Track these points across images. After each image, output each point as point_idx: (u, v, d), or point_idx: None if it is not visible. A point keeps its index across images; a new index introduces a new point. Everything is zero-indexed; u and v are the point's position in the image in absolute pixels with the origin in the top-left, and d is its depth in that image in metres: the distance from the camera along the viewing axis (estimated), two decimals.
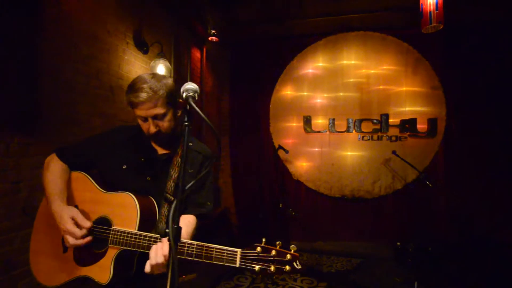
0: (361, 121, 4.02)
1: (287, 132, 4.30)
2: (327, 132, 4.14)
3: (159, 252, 0.92)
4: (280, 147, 3.91)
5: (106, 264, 1.05)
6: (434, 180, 3.36)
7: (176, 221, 0.73)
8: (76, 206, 1.18)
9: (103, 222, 1.11)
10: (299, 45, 4.31)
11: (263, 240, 0.88)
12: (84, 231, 1.06)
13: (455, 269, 3.25)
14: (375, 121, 3.98)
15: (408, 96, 3.90)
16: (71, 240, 1.05)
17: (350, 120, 4.05)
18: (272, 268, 0.84)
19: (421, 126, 3.84)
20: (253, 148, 4.50)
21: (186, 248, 0.93)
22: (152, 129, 1.12)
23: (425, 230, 3.72)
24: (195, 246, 0.93)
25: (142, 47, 2.93)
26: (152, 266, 0.92)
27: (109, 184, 1.18)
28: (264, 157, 4.42)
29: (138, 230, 1.04)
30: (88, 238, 1.07)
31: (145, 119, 1.12)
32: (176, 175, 1.16)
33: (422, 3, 2.00)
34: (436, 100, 3.81)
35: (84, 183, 1.21)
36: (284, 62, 4.36)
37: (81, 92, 2.30)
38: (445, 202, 3.76)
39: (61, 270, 1.14)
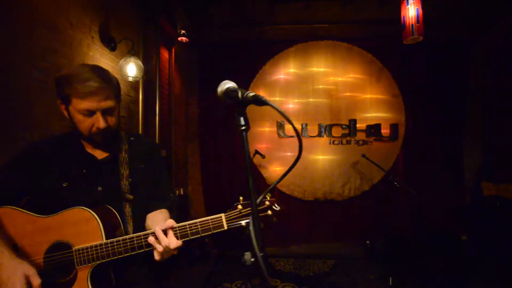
0: (331, 126, 4.18)
1: (260, 137, 4.27)
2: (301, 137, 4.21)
3: (164, 241, 0.88)
4: (257, 152, 3.86)
5: (82, 287, 0.94)
6: (397, 181, 3.62)
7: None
8: (15, 245, 0.97)
9: (59, 248, 0.96)
10: (271, 51, 4.35)
11: (241, 198, 0.91)
12: None
13: (420, 261, 3.52)
14: (344, 126, 4.17)
15: (373, 103, 4.18)
16: None
17: (322, 125, 4.18)
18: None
19: (385, 130, 4.13)
20: (225, 153, 4.38)
21: (188, 230, 0.91)
22: (102, 124, 0.97)
23: (391, 228, 3.98)
24: (177, 228, 0.92)
25: (109, 43, 2.64)
26: (162, 254, 0.90)
27: (49, 208, 0.99)
28: (236, 163, 4.31)
29: (106, 239, 0.95)
30: None
31: (92, 113, 0.97)
32: (127, 172, 1.08)
33: (404, 16, 2.15)
34: (396, 107, 4.14)
35: (14, 217, 1.00)
36: (256, 67, 4.35)
37: (38, 91, 1.97)
38: (406, 201, 4.08)
39: None
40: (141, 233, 0.93)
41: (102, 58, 2.60)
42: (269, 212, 0.91)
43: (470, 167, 4.15)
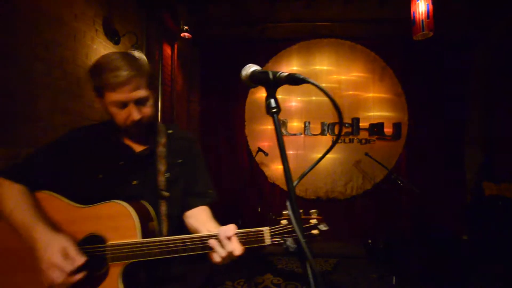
0: (334, 124, 4.17)
1: (262, 135, 4.24)
2: (302, 135, 4.20)
3: (228, 247, 0.82)
4: (260, 149, 3.83)
5: (111, 285, 0.89)
6: (400, 179, 3.62)
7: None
8: None
9: (93, 240, 0.92)
10: (274, 49, 4.32)
11: (284, 213, 0.84)
12: (77, 265, 0.83)
13: (421, 261, 3.52)
14: (347, 124, 4.16)
15: (376, 102, 4.17)
16: (58, 278, 0.81)
17: (325, 123, 4.17)
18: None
19: (387, 129, 4.13)
20: (227, 151, 4.35)
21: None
22: (136, 115, 0.94)
23: (393, 227, 3.98)
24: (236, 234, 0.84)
25: (113, 36, 2.59)
26: (224, 258, 0.84)
27: (83, 199, 0.96)
28: (238, 161, 4.29)
29: (142, 238, 0.90)
30: (82, 275, 0.84)
31: (124, 105, 0.93)
32: (165, 167, 1.03)
33: (414, 12, 2.14)
34: (399, 106, 4.14)
35: (52, 202, 0.97)
36: (259, 65, 4.24)
37: (41, 83, 1.92)
38: (407, 200, 4.08)
39: None
40: (197, 235, 0.88)
41: (105, 51, 2.55)
42: (316, 231, 0.83)
43: (471, 167, 4.16)
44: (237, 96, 4.32)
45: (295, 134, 4.19)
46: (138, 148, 1.04)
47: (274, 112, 0.63)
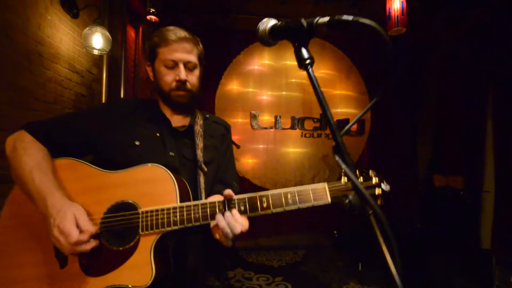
0: (304, 119, 4.25)
1: (233, 128, 4.13)
2: (273, 129, 4.21)
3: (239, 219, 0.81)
4: (232, 142, 3.73)
5: (142, 259, 0.80)
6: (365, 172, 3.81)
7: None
8: None
9: (123, 208, 0.85)
10: (246, 40, 4.25)
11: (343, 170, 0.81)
12: (85, 236, 0.78)
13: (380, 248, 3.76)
14: (315, 119, 4.27)
15: (342, 99, 4.35)
16: (64, 246, 0.78)
17: (295, 118, 4.22)
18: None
19: (353, 126, 4.32)
20: None
21: (283, 199, 0.82)
22: (183, 75, 0.95)
23: (355, 218, 4.19)
24: (270, 196, 0.82)
25: (71, 9, 2.29)
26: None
27: (116, 166, 0.90)
28: None
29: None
30: (93, 244, 0.80)
31: (175, 64, 0.95)
32: (202, 144, 1.02)
33: (389, 8, 2.25)
34: (363, 104, 4.38)
35: (76, 169, 0.91)
36: (230, 56, 4.23)
37: None
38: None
39: None
40: (240, 196, 0.83)
41: (61, 24, 2.25)
42: (378, 190, 0.81)
43: (423, 162, 4.57)
44: (207, 88, 4.17)
45: (265, 128, 4.18)
46: (176, 123, 1.03)
47: (308, 63, 0.57)
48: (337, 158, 0.52)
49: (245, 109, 4.17)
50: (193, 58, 0.97)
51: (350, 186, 0.81)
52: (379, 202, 0.82)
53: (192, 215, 0.81)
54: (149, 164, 0.86)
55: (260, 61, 4.28)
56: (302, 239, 4.18)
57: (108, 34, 2.40)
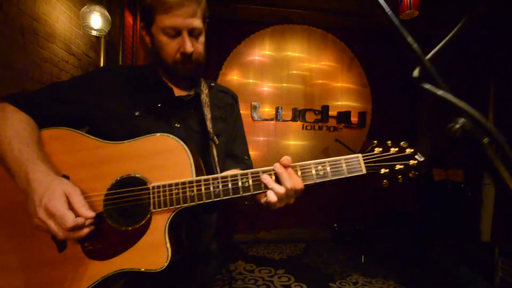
0: (305, 111, 4.18)
1: None
2: (274, 121, 4.13)
3: (288, 182, 0.71)
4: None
5: (156, 240, 0.72)
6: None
7: None
8: (65, 176, 0.76)
9: (130, 183, 0.75)
10: (246, 30, 4.16)
11: (374, 142, 0.78)
12: (82, 220, 0.67)
13: (384, 239, 3.75)
14: (317, 112, 4.21)
15: (344, 92, 4.31)
16: (58, 232, 0.66)
17: (296, 109, 4.16)
18: (398, 166, 0.76)
19: (354, 118, 4.29)
20: None
21: (314, 170, 0.75)
22: (189, 47, 0.81)
23: (356, 211, 4.16)
24: (298, 167, 0.75)
25: None
26: (280, 199, 0.72)
27: (116, 138, 0.80)
28: None
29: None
30: (87, 230, 0.69)
31: (177, 33, 0.81)
32: (210, 115, 0.91)
33: None
34: (365, 97, 4.34)
35: (71, 140, 0.79)
36: (230, 46, 4.13)
37: None
38: (369, 184, 4.31)
39: (64, 281, 0.73)
40: (249, 171, 0.74)
41: (58, 2, 2.12)
42: (413, 161, 0.76)
43: (423, 155, 4.56)
44: (207, 76, 4.06)
45: (266, 120, 4.10)
46: (179, 92, 0.92)
47: None
48: (428, 86, 0.45)
49: (245, 100, 4.08)
50: (197, 22, 0.82)
51: (384, 156, 0.77)
52: (413, 174, 0.77)
53: (221, 188, 0.73)
54: (158, 134, 0.77)
55: (261, 52, 4.19)
56: (301, 233, 4.13)
57: (107, 13, 2.28)
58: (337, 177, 0.76)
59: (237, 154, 1.00)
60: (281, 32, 4.21)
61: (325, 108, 4.21)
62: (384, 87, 4.37)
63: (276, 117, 4.11)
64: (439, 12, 3.33)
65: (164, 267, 0.70)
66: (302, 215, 4.24)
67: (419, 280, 2.80)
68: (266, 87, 4.20)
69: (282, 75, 4.22)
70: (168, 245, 0.71)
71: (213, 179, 0.74)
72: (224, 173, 0.76)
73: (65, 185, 0.69)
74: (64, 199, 0.66)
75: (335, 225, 4.06)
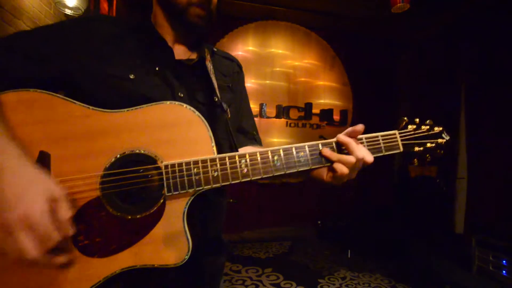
0: (289, 108, 4.16)
1: None
2: (258, 118, 4.06)
3: (358, 152, 0.65)
4: None
5: (172, 229, 0.60)
6: None
7: None
8: (44, 154, 0.59)
9: (135, 161, 0.61)
10: (230, 24, 4.07)
11: (405, 118, 0.75)
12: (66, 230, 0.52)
13: (366, 234, 3.80)
14: (300, 109, 4.21)
15: (326, 90, 4.36)
16: (31, 248, 0.49)
17: (280, 106, 4.12)
18: (429, 144, 0.74)
19: (336, 116, 4.35)
20: None
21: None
22: None
23: (338, 206, 4.21)
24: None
25: None
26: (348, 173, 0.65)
27: (106, 106, 0.64)
28: None
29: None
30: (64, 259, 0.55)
31: None
32: (217, 84, 0.79)
33: None
34: (346, 95, 4.42)
35: (50, 107, 0.61)
36: (213, 39, 3.99)
37: None
38: (351, 182, 4.38)
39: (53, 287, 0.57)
40: (300, 144, 0.68)
41: None
42: (441, 140, 0.74)
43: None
44: None
45: (270, 117, 4.03)
46: (179, 54, 0.76)
47: None
48: None
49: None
50: None
51: (417, 133, 0.74)
52: (439, 153, 0.75)
53: (251, 168, 0.63)
54: (168, 102, 0.64)
55: (245, 47, 4.11)
56: (286, 231, 4.09)
57: None
58: (375, 155, 0.70)
59: (246, 129, 0.89)
60: (264, 28, 4.17)
61: (309, 106, 4.23)
62: (364, 86, 4.49)
63: (260, 114, 4.04)
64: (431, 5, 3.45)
65: (185, 260, 0.59)
66: (285, 213, 4.20)
67: (403, 272, 2.86)
68: (250, 83, 4.12)
69: (265, 71, 4.17)
70: (188, 235, 0.60)
71: (240, 156, 0.63)
72: (251, 150, 0.65)
73: (47, 182, 0.53)
74: (45, 202, 0.50)
75: (319, 222, 4.07)
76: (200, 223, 0.71)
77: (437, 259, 3.11)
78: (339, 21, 4.24)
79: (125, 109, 0.63)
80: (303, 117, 4.22)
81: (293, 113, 4.20)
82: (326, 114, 4.29)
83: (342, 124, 4.39)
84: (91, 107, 0.63)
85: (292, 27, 4.26)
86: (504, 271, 2.54)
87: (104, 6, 3.30)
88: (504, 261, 2.55)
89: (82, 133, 0.61)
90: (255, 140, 0.91)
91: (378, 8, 3.80)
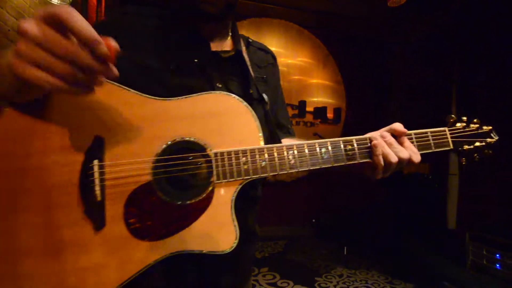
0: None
1: None
2: None
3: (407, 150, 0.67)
4: None
5: (220, 217, 0.61)
6: None
7: None
8: (99, 138, 0.59)
9: (186, 148, 0.63)
10: None
11: (453, 116, 0.75)
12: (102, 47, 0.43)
13: (361, 232, 3.81)
14: (294, 106, 4.19)
15: (319, 88, 4.35)
16: (85, 55, 0.42)
17: None
18: (478, 143, 0.74)
19: (329, 114, 4.36)
20: None
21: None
22: None
23: (334, 205, 4.20)
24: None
25: None
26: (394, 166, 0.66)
27: (154, 95, 0.65)
28: None
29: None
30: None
31: None
32: (254, 77, 0.79)
33: None
34: (339, 93, 4.43)
35: (106, 93, 0.61)
36: None
37: None
38: (344, 180, 4.39)
39: (103, 268, 0.57)
40: (351, 138, 0.68)
41: None
42: (490, 139, 0.74)
43: None
44: None
45: None
46: (214, 46, 0.77)
47: None
48: None
49: None
50: None
51: (467, 132, 0.75)
52: (488, 153, 0.75)
53: (299, 159, 0.64)
54: (217, 92, 0.65)
55: None
56: (280, 230, 4.05)
57: None
58: (423, 152, 0.70)
59: (282, 123, 0.88)
60: (258, 25, 4.14)
61: (303, 104, 4.21)
62: (357, 84, 4.51)
63: None
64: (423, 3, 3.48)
65: (233, 247, 0.61)
66: (279, 212, 4.17)
67: (399, 268, 2.87)
68: None
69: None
70: (236, 223, 0.62)
71: (287, 147, 0.64)
72: (297, 142, 0.67)
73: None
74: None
75: (314, 220, 4.05)
76: (239, 212, 0.69)
77: (432, 255, 3.14)
78: (332, 20, 4.26)
79: (175, 98, 0.64)
80: (297, 115, 4.20)
81: (288, 110, 4.18)
82: (320, 112, 4.29)
83: (336, 122, 4.40)
84: (144, 94, 0.64)
85: (285, 25, 4.24)
86: (497, 265, 2.57)
87: (93, 1, 3.19)
88: (497, 255, 2.58)
89: (136, 119, 0.63)
90: (289, 133, 0.90)
91: (371, 6, 3.84)
